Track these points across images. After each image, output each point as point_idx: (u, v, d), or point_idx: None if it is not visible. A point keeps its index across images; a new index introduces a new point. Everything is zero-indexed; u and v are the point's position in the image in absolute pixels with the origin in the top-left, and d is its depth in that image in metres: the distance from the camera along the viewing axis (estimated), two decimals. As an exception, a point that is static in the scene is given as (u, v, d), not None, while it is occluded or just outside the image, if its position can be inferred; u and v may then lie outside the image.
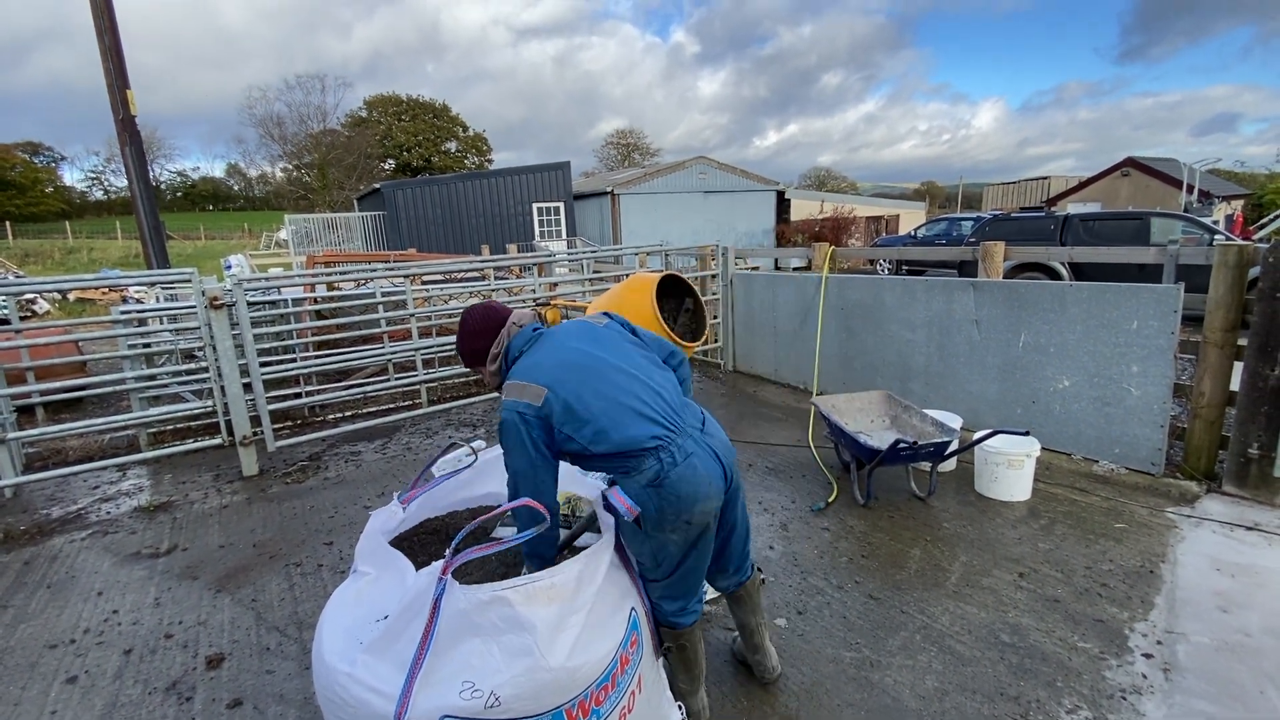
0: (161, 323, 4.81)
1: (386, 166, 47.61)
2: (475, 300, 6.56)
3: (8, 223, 31.13)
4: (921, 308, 4.90)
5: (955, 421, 3.99)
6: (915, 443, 3.32)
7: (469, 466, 2.17)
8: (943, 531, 3.33)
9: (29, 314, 14.30)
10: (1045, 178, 29.07)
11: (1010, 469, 3.58)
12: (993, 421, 4.44)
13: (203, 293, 4.13)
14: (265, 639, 2.70)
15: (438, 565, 1.45)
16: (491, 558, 1.98)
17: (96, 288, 10.45)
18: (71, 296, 16.26)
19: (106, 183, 54.54)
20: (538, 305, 4.32)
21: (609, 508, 1.78)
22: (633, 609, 1.75)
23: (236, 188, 61.06)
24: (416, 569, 1.59)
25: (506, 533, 2.09)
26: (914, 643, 2.50)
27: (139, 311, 4.69)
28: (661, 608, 1.92)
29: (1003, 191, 30.79)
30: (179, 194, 58.53)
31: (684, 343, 3.33)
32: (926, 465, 3.67)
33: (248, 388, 4.46)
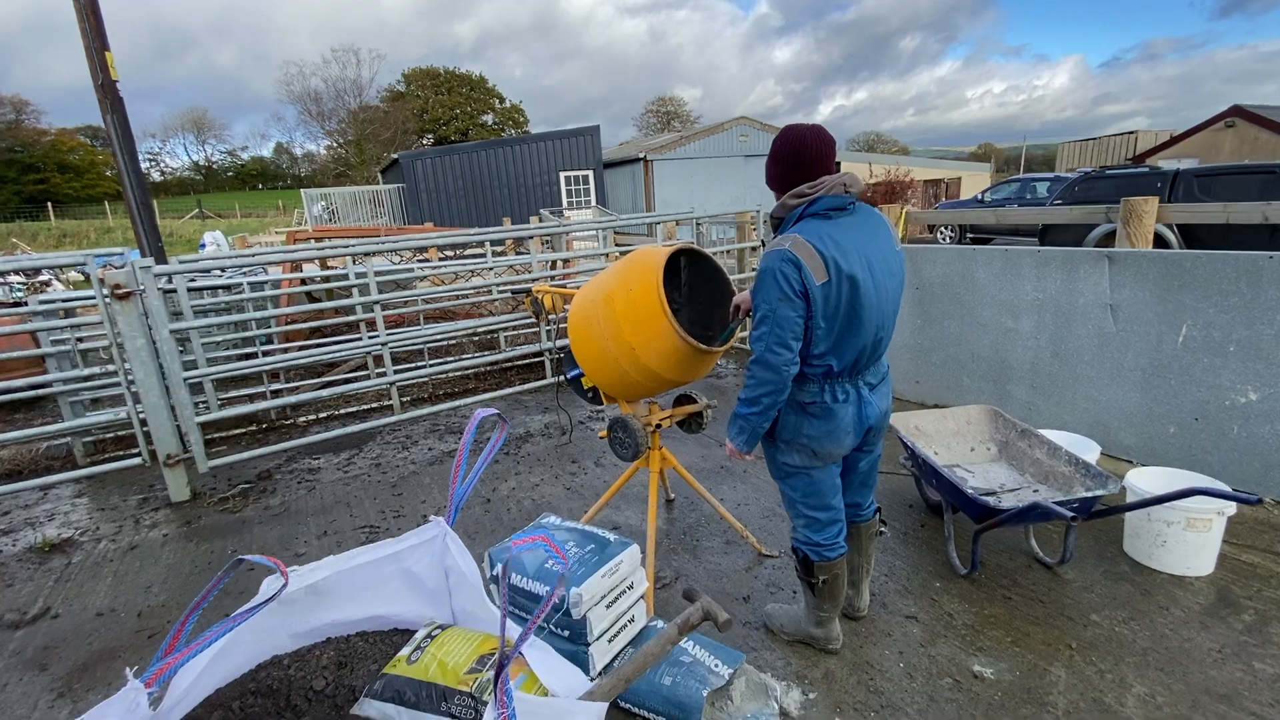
0: (62, 316, 4.01)
1: (425, 141, 47.06)
2: (468, 281, 5.60)
3: (49, 204, 31.79)
4: (1030, 287, 3.71)
5: (1092, 451, 2.85)
6: (1071, 502, 2.21)
7: (274, 597, 1.24)
8: (1093, 631, 2.23)
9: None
10: (1132, 132, 26.18)
11: (1189, 530, 2.44)
12: (1129, 441, 3.27)
13: (100, 280, 3.28)
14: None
15: None
16: None
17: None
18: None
19: (162, 164, 55.96)
20: (515, 294, 3.31)
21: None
22: None
23: (284, 166, 61.69)
24: None
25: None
26: None
27: (45, 302, 3.91)
28: (810, 538, 2.06)
29: (1080, 149, 27.94)
30: (229, 173, 59.56)
31: (708, 348, 2.30)
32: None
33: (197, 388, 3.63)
